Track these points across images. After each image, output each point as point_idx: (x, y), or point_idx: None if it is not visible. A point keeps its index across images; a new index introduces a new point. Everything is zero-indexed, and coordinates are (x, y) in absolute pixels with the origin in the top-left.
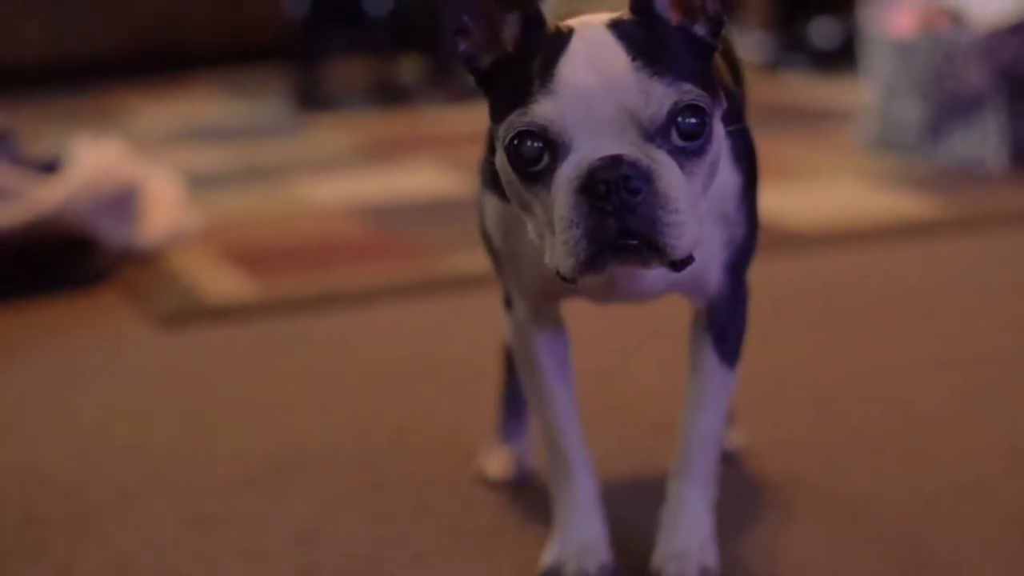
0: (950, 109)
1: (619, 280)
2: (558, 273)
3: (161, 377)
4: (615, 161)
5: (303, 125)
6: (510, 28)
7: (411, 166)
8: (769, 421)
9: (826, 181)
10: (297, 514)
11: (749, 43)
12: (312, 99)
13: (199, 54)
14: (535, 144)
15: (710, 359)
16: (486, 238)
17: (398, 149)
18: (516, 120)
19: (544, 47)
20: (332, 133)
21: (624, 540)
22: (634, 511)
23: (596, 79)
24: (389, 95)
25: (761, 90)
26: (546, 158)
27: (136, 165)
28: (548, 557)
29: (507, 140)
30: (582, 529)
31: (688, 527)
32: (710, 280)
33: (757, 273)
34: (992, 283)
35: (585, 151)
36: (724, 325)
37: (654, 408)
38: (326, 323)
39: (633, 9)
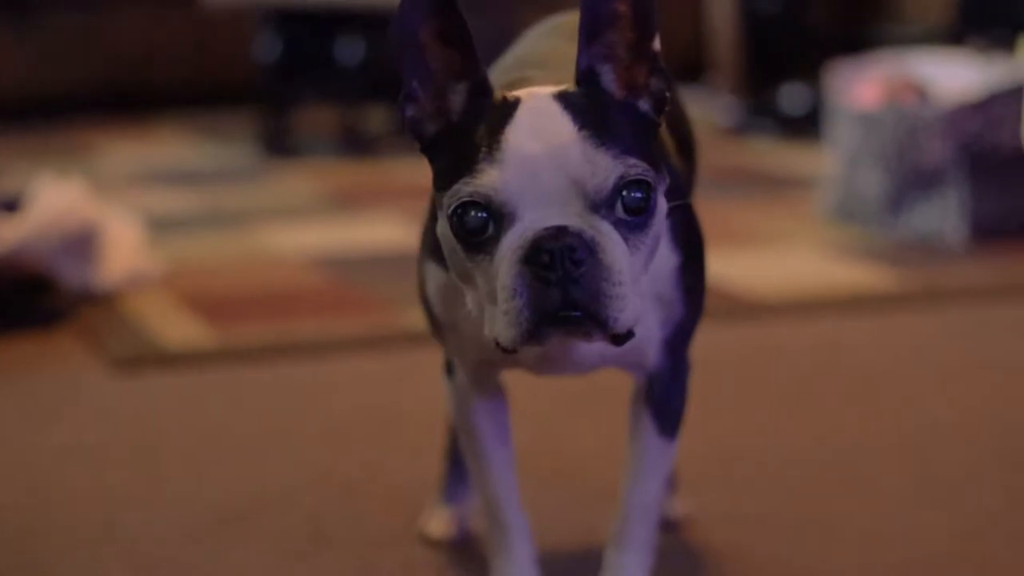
0: (911, 182)
1: (556, 352)
2: (497, 344)
3: (114, 422)
4: (560, 231)
5: (269, 171)
6: (457, 96)
7: (374, 216)
8: (717, 491)
9: (785, 249)
10: (241, 567)
11: (718, 107)
12: (279, 145)
13: (169, 95)
14: (479, 214)
15: (649, 432)
16: (426, 306)
17: (362, 199)
18: (461, 189)
19: (490, 116)
20: (297, 180)
21: None
22: None
23: (542, 149)
24: (356, 144)
25: (727, 154)
26: (490, 228)
27: (97, 206)
28: None
29: (451, 209)
30: None
31: None
32: (648, 356)
33: (711, 340)
34: (946, 359)
35: (529, 221)
36: (663, 400)
37: (595, 472)
38: (281, 373)
39: (579, 81)
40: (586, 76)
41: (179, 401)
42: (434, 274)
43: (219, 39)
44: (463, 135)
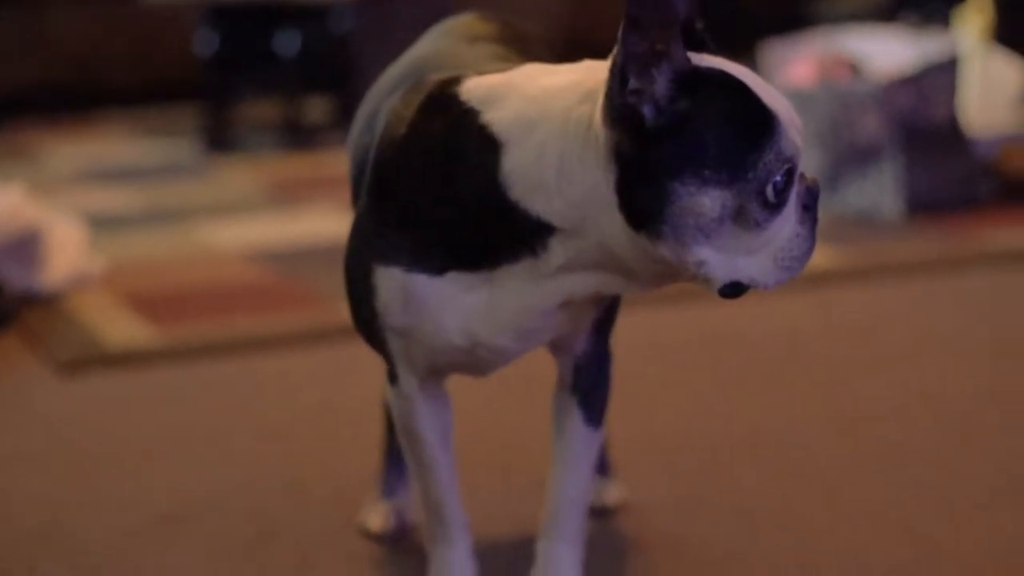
0: (847, 159)
1: (503, 341)
2: (745, 288)
3: (57, 424)
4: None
5: (210, 166)
6: (663, 78)
7: (315, 209)
8: (651, 478)
9: None
10: (183, 566)
11: None
12: (220, 140)
13: (110, 93)
14: (782, 176)
15: (576, 422)
16: (373, 317)
17: (303, 191)
18: (775, 158)
19: (725, 89)
20: (239, 174)
21: None
22: (508, 568)
23: (787, 108)
24: (296, 136)
25: None
26: (785, 186)
27: (39, 208)
28: None
29: (768, 177)
30: None
31: None
32: (579, 337)
33: (649, 322)
34: (885, 335)
35: (799, 172)
36: (590, 388)
37: (533, 463)
38: (223, 371)
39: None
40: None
41: (122, 402)
42: (391, 279)
43: (159, 36)
44: (709, 112)
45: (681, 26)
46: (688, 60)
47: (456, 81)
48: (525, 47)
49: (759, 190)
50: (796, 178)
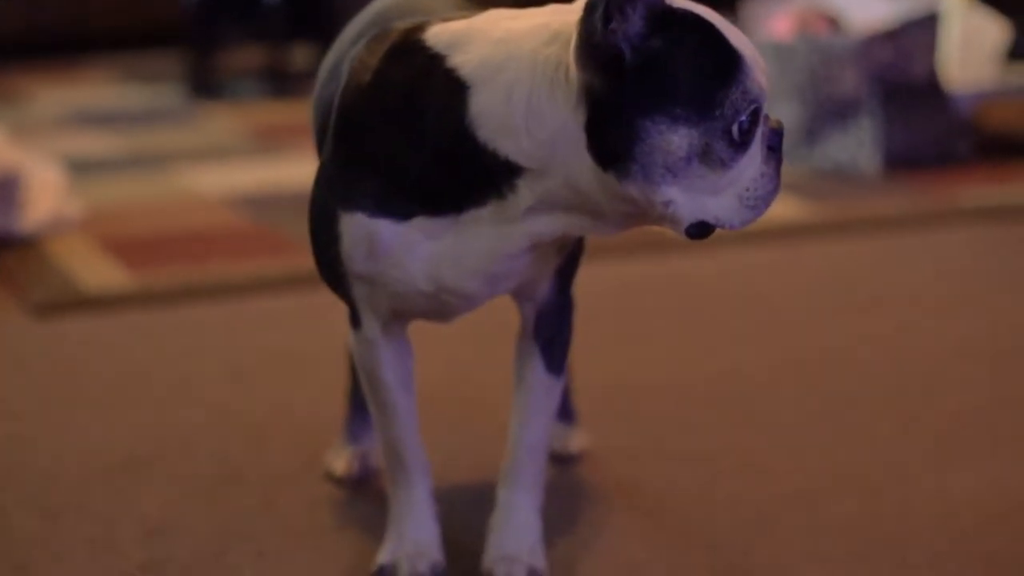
0: (826, 113)
1: (469, 286)
2: (714, 227)
3: (31, 366)
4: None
5: (195, 112)
6: (637, 16)
7: (297, 156)
8: (613, 425)
9: None
10: (147, 508)
11: None
12: (205, 86)
13: (97, 37)
14: (747, 116)
15: (538, 370)
16: (337, 263)
17: (286, 138)
18: (742, 96)
19: (695, 28)
20: (223, 121)
21: (458, 542)
22: (469, 513)
23: (750, 48)
24: (281, 83)
25: None
26: (751, 126)
27: (18, 151)
28: (383, 556)
29: (734, 116)
30: (417, 531)
31: (517, 531)
32: (541, 285)
33: (620, 271)
34: (854, 289)
35: (764, 112)
36: (551, 336)
37: (495, 410)
38: (197, 315)
39: None
40: None
41: (95, 345)
42: (355, 225)
43: None
44: (680, 51)
45: None
46: None
47: (421, 28)
48: None
49: (725, 128)
50: (761, 119)
